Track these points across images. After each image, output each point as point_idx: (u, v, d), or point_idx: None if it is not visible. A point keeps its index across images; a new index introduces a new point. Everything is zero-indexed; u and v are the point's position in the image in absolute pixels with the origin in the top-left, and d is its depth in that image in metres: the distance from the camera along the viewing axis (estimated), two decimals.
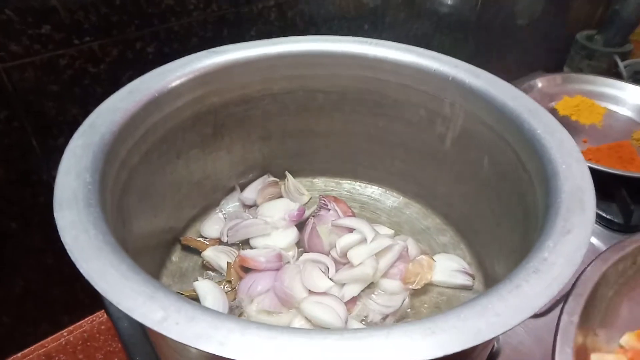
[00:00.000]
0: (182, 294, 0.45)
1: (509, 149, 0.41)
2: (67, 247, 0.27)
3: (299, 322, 0.42)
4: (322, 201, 0.51)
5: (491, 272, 0.47)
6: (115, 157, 0.37)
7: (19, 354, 0.62)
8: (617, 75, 0.91)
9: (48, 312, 0.62)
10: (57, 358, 0.65)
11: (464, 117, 0.46)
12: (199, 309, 0.25)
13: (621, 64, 0.92)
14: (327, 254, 0.48)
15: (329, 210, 0.50)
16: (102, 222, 0.29)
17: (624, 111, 0.83)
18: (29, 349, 0.62)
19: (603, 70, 0.95)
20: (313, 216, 0.50)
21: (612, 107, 0.83)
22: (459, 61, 0.47)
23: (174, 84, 0.43)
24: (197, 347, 0.23)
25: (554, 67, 1.03)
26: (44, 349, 0.63)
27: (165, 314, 0.24)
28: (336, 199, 0.52)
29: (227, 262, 0.47)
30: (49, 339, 0.64)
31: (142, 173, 0.42)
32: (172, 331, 0.23)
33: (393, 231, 0.51)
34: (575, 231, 0.30)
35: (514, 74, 0.86)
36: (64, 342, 0.65)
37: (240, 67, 0.47)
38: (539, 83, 0.83)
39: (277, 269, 0.45)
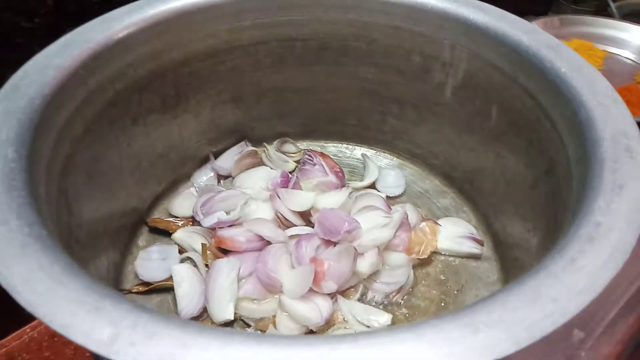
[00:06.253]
0: (151, 284, 0.39)
1: (525, 94, 0.35)
2: None
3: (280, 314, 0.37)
4: (307, 155, 0.47)
5: (502, 236, 0.42)
6: (49, 127, 0.30)
7: None
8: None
9: (5, 307, 0.55)
10: (20, 357, 0.58)
11: (468, 60, 0.40)
12: (161, 320, 0.18)
13: (613, 5, 0.86)
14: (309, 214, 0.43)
15: (315, 165, 0.46)
16: (29, 210, 0.23)
17: (626, 53, 0.77)
18: None
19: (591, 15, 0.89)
20: (297, 170, 0.47)
21: (612, 50, 0.77)
22: None
23: (120, 34, 0.35)
24: None
25: (539, 13, 0.96)
26: (5, 348, 0.57)
27: (115, 331, 0.18)
28: (323, 154, 0.48)
29: (202, 243, 0.41)
30: (9, 337, 0.57)
31: (90, 145, 0.34)
32: (126, 355, 0.17)
33: (385, 194, 0.45)
34: (629, 185, 0.24)
35: None
36: (27, 340, 0.58)
37: (202, 14, 0.40)
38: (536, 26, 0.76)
39: (260, 249, 0.39)
